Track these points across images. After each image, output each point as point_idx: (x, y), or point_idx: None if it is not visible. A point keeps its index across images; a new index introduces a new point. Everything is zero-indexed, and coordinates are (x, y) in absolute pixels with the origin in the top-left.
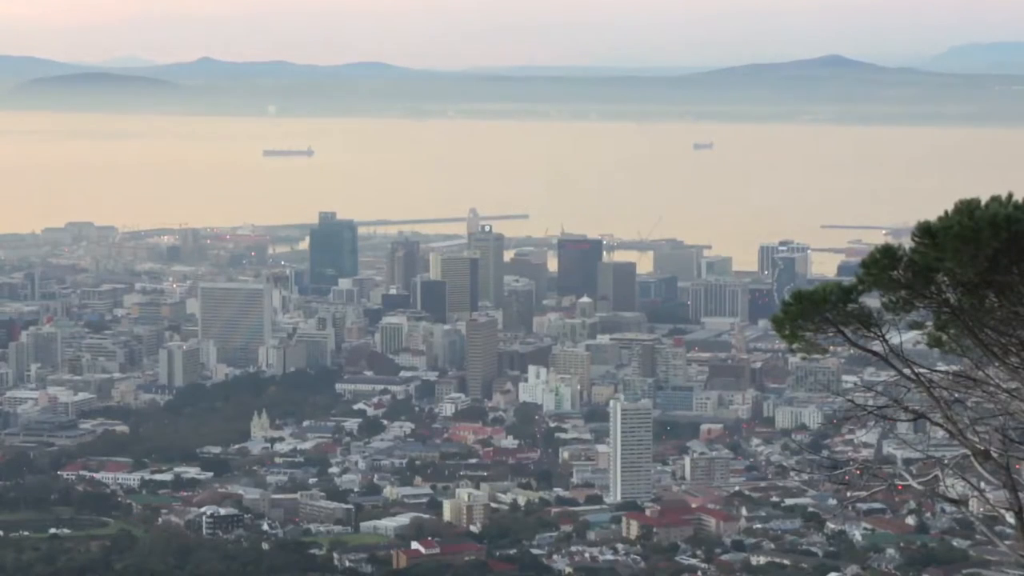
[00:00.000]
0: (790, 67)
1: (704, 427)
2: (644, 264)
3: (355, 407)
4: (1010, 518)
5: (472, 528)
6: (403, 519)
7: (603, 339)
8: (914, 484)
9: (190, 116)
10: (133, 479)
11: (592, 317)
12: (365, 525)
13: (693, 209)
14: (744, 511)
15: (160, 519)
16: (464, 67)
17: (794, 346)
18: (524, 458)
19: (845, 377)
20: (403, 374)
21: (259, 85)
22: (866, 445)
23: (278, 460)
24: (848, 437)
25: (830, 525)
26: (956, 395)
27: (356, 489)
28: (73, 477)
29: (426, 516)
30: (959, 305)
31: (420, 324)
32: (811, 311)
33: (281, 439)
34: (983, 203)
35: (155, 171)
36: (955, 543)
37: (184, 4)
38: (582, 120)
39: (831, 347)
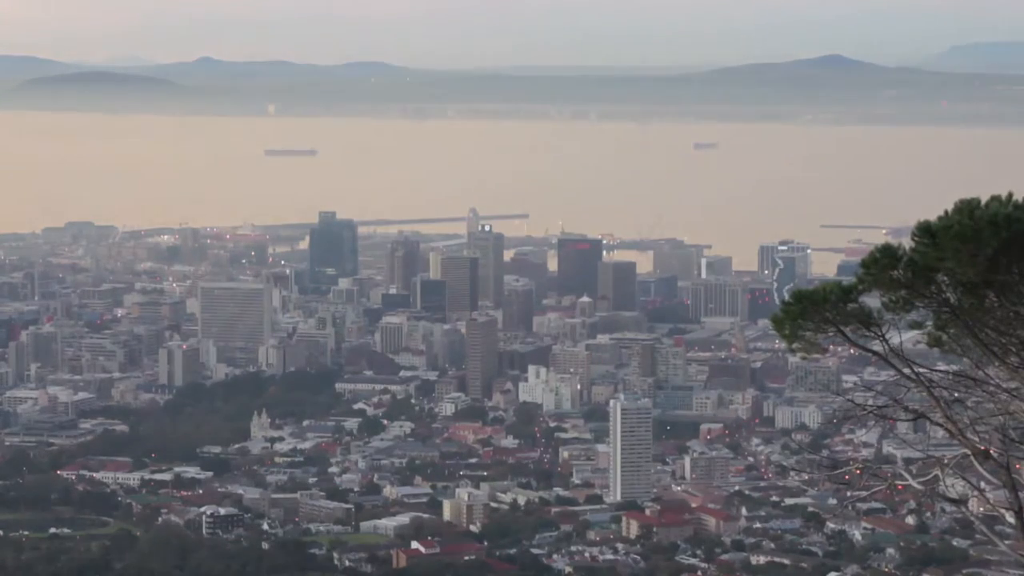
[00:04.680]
0: (790, 67)
1: (704, 427)
2: (644, 264)
3: (355, 407)
4: (1010, 518)
5: (472, 528)
6: (403, 519)
7: (603, 339)
8: (914, 484)
9: (190, 116)
10: (133, 479)
11: (592, 317)
12: (365, 525)
13: (693, 209)
14: (744, 511)
15: (160, 519)
16: (464, 67)
17: (794, 346)
18: (524, 458)
19: (845, 377)
20: (403, 374)
21: (259, 85)
22: (866, 445)
23: (278, 460)
24: (848, 437)
25: (830, 525)
26: (956, 395)
27: (356, 489)
28: (73, 477)
29: (426, 516)
30: (959, 305)
31: (420, 324)
32: (811, 311)
33: (281, 439)
34: (983, 203)
35: (155, 171)
36: (955, 543)
37: (184, 4)
38: (582, 120)
39: (831, 347)
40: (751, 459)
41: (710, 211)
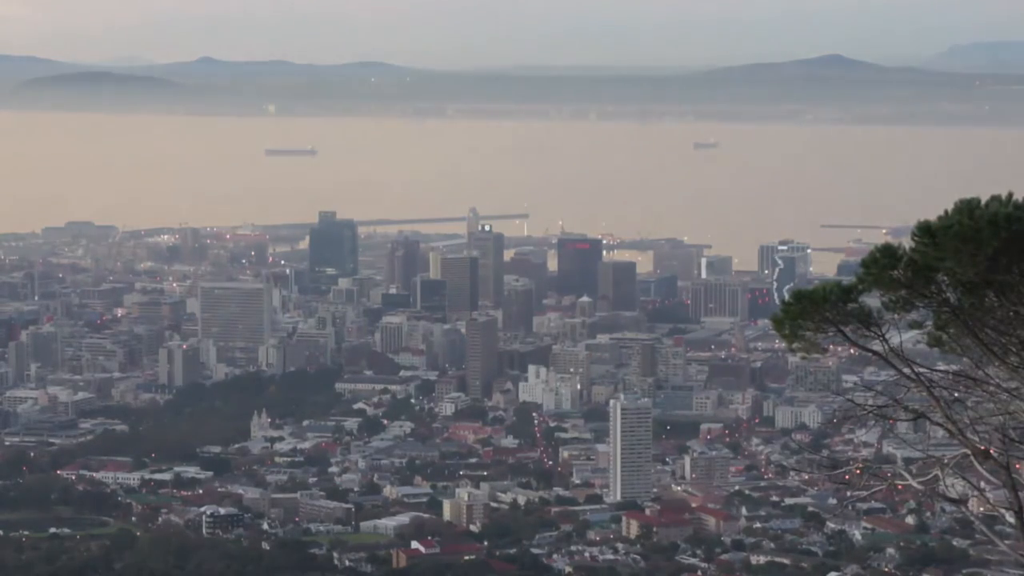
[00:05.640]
0: (790, 67)
1: (704, 427)
2: (644, 264)
3: (355, 407)
4: (1010, 518)
5: (472, 528)
6: (403, 518)
7: (603, 339)
8: (914, 484)
9: (190, 116)
10: (133, 479)
11: (592, 317)
12: (365, 525)
13: (693, 209)
14: (744, 511)
15: (160, 519)
16: (464, 67)
17: (794, 346)
18: (524, 458)
19: (845, 377)
20: (403, 374)
21: (259, 85)
22: (866, 445)
23: (278, 460)
24: (848, 437)
25: (830, 525)
26: (956, 395)
27: (356, 489)
28: (73, 477)
29: (426, 516)
30: (959, 304)
31: (420, 324)
32: (811, 310)
33: (281, 439)
34: (983, 203)
35: (155, 171)
36: (955, 543)
37: (184, 4)
38: (582, 120)
39: (831, 347)
40: (751, 459)
41: (710, 211)
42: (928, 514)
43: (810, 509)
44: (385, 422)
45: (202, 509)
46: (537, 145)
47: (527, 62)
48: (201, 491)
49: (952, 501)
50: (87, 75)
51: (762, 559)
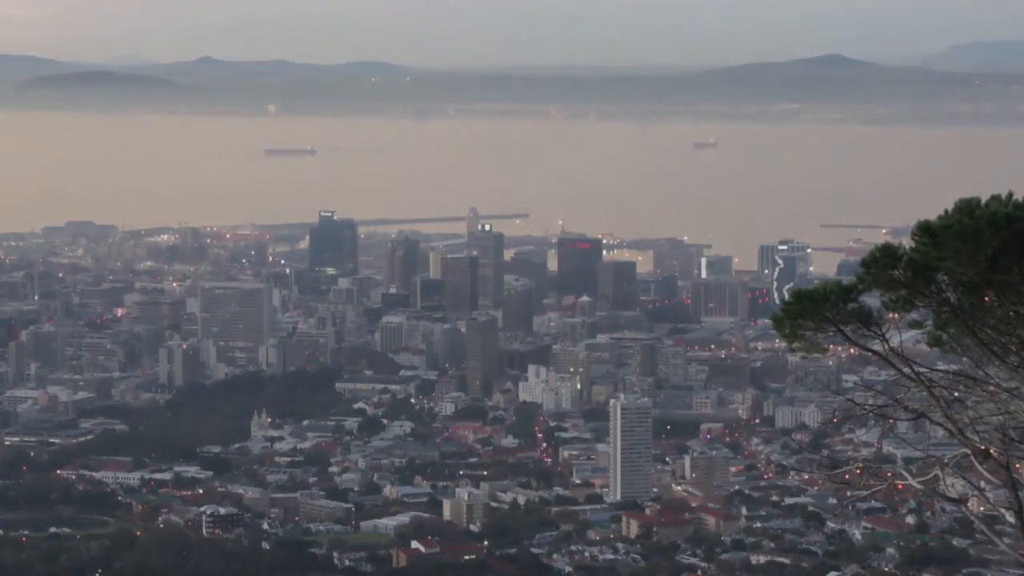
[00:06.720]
0: (790, 67)
1: (704, 427)
2: (644, 264)
3: (355, 406)
4: (1010, 517)
5: (472, 527)
6: (403, 518)
7: (603, 338)
8: (914, 484)
9: (190, 116)
10: (133, 478)
11: (592, 316)
12: (365, 524)
13: (693, 209)
14: (744, 511)
15: (160, 519)
16: (464, 67)
17: (794, 345)
18: (524, 458)
19: (845, 377)
20: (403, 373)
21: (259, 85)
22: (866, 445)
23: (278, 459)
24: (848, 437)
25: (830, 525)
26: (956, 395)
27: (356, 488)
28: (73, 476)
29: (426, 515)
30: (959, 304)
31: (420, 324)
32: (811, 310)
33: (281, 438)
34: (983, 202)
35: (155, 170)
36: (955, 543)
37: (184, 4)
38: (582, 120)
39: (831, 346)
40: (751, 459)
41: (710, 211)
42: (928, 514)
43: (810, 509)
44: (385, 422)
45: (202, 509)
46: (537, 145)
47: (527, 62)
48: (201, 491)
49: (952, 501)
50: (87, 75)
51: (762, 559)
